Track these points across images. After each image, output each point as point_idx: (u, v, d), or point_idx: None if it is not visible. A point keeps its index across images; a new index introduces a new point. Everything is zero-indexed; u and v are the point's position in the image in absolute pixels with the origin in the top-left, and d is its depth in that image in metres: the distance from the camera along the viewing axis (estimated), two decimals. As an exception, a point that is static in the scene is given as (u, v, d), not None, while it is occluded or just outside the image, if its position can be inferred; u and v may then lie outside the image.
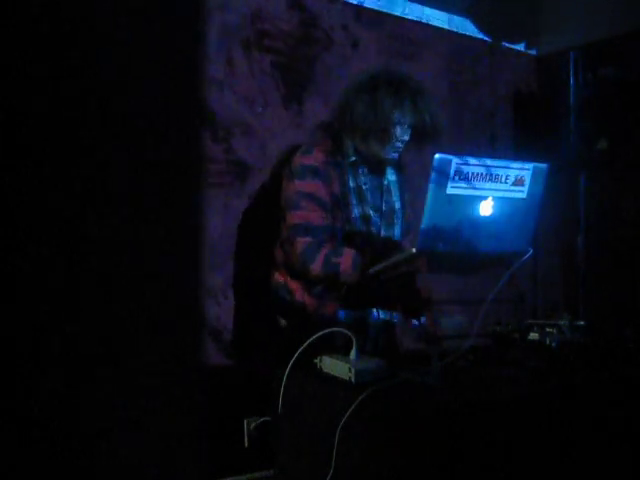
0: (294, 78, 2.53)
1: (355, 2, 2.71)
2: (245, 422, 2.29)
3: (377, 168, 2.11)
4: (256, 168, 2.43)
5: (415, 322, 2.01)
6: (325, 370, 1.63)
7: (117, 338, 2.07)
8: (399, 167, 2.19)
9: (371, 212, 2.07)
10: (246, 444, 2.29)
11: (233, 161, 2.37)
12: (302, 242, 1.95)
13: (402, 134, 1.99)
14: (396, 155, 2.05)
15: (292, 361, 1.63)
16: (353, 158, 2.05)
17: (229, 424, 2.29)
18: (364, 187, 2.06)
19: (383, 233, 2.09)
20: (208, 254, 2.30)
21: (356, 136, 2.02)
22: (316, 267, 1.92)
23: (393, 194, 2.15)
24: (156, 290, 2.16)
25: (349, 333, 1.60)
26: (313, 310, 2.02)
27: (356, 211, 2.03)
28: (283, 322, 2.11)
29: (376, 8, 2.77)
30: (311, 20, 2.58)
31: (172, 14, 2.20)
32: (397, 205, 2.15)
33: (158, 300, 2.17)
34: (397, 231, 2.15)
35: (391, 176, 2.16)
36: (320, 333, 1.62)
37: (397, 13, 2.86)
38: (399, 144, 2.01)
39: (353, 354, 1.58)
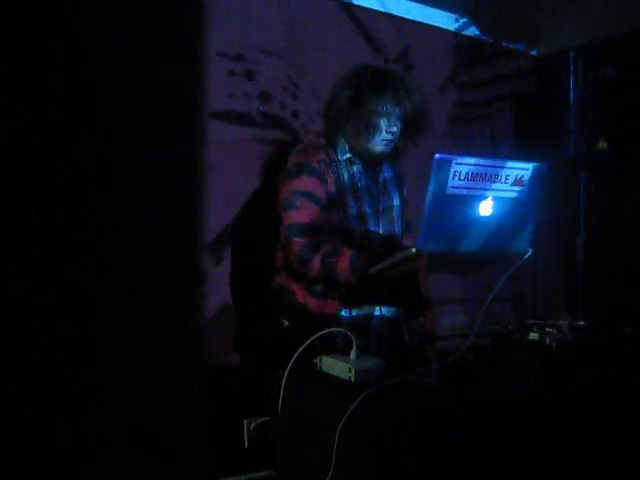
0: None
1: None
2: (245, 422, 2.29)
3: (372, 164, 2.09)
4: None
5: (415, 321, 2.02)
6: (325, 370, 1.63)
7: (116, 337, 2.07)
8: (395, 163, 2.17)
9: (367, 209, 2.05)
10: (246, 444, 2.29)
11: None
12: (299, 242, 1.94)
13: (389, 126, 1.97)
14: (387, 148, 2.02)
15: (292, 361, 1.63)
16: (347, 155, 2.04)
17: (229, 424, 2.29)
18: (359, 184, 2.05)
19: (382, 230, 2.08)
20: (208, 253, 2.31)
21: (345, 131, 2.00)
22: (313, 268, 1.91)
23: (390, 191, 2.13)
24: (156, 288, 2.16)
25: (349, 333, 1.60)
26: (315, 310, 2.00)
27: (353, 210, 2.01)
28: (285, 323, 2.09)
29: (375, 8, 2.77)
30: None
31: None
32: (395, 202, 2.13)
33: (158, 298, 2.17)
34: (397, 228, 2.13)
35: (387, 172, 2.14)
36: (320, 333, 1.62)
37: (397, 13, 2.86)
38: (388, 136, 1.99)
39: (353, 354, 1.58)
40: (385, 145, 2.01)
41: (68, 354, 1.98)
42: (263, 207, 2.28)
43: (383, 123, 1.97)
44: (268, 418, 1.76)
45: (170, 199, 2.20)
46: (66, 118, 1.98)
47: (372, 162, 2.08)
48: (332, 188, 1.99)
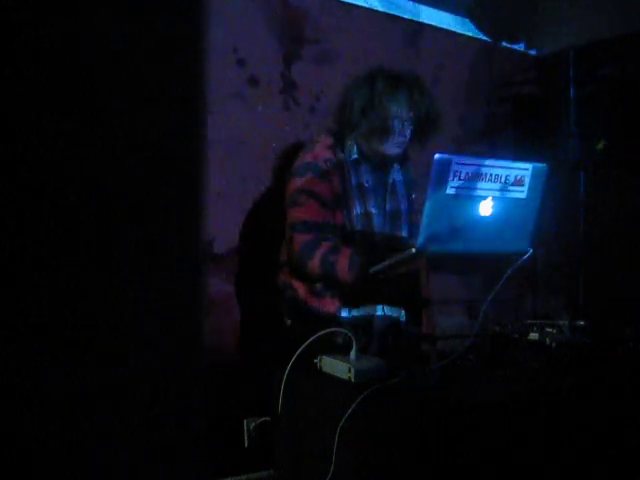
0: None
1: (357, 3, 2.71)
2: (245, 422, 2.29)
3: (381, 166, 2.10)
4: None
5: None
6: (325, 370, 1.63)
7: (116, 336, 2.07)
8: (405, 166, 2.18)
9: (373, 210, 2.05)
10: (246, 444, 2.29)
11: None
12: (300, 239, 1.94)
13: (402, 128, 1.99)
14: (399, 151, 2.04)
15: (292, 361, 1.63)
16: (355, 156, 2.04)
17: (229, 424, 2.29)
18: (366, 185, 2.05)
19: (388, 231, 2.08)
20: (210, 250, 2.31)
21: (357, 133, 2.01)
22: (313, 265, 1.91)
23: (399, 194, 2.13)
24: (156, 287, 2.16)
25: (349, 333, 1.60)
26: (315, 308, 2.00)
27: (358, 209, 2.02)
28: (288, 322, 2.09)
29: (375, 8, 2.77)
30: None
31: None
32: (403, 205, 2.13)
33: (158, 298, 2.17)
34: (404, 232, 2.12)
35: (397, 176, 2.14)
36: (320, 333, 1.62)
37: (396, 13, 2.85)
38: (401, 138, 2.00)
39: (353, 354, 1.58)
40: (397, 147, 2.03)
41: (68, 354, 1.98)
42: (271, 204, 2.27)
43: (397, 126, 1.98)
44: (268, 418, 1.76)
45: (170, 199, 2.20)
46: (65, 118, 1.98)
47: (381, 164, 2.09)
48: (337, 188, 1.99)
